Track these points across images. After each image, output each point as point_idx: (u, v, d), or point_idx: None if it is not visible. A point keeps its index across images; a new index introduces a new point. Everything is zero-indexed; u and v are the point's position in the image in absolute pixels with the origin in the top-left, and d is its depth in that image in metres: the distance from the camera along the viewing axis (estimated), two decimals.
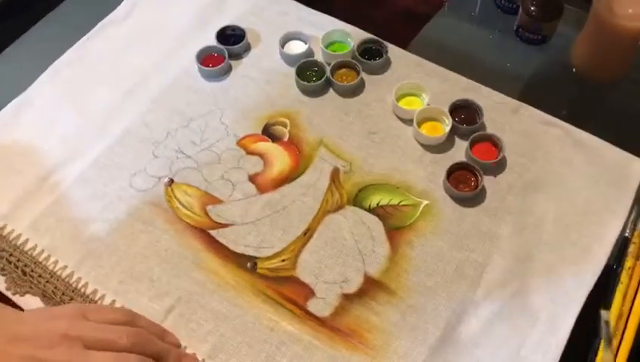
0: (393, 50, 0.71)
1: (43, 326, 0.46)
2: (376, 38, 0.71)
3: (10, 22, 0.81)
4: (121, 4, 0.77)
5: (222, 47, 0.71)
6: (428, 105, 0.65)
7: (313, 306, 0.55)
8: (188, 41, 0.73)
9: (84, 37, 0.74)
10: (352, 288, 0.56)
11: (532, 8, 0.68)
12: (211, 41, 0.72)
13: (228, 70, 0.71)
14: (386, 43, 0.70)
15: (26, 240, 0.60)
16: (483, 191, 0.60)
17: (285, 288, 0.56)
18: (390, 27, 0.78)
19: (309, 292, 0.56)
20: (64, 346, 0.44)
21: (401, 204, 0.60)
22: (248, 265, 0.57)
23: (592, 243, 0.57)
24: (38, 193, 0.63)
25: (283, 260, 0.57)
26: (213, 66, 0.70)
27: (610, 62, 0.68)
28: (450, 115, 0.64)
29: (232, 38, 0.72)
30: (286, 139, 0.65)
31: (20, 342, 0.44)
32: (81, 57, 0.73)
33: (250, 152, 0.65)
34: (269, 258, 0.58)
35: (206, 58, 0.71)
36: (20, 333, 0.44)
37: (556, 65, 0.72)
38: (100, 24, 0.75)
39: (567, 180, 0.61)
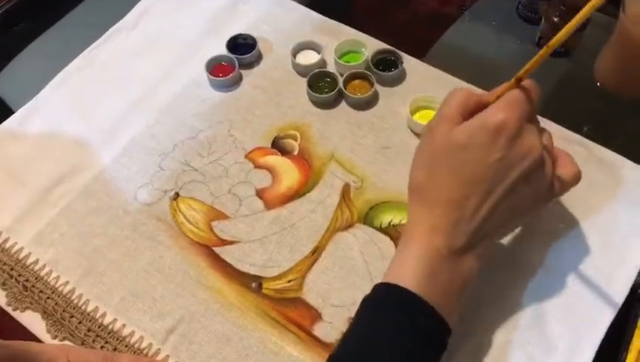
0: (409, 61, 0.68)
1: None
2: (391, 48, 0.68)
3: (22, 28, 0.81)
4: (130, 12, 0.76)
5: (232, 56, 0.69)
6: None
7: (319, 330, 0.53)
8: (197, 50, 0.71)
9: (92, 45, 0.73)
10: None
11: (555, 20, 0.65)
12: (221, 49, 0.70)
13: (238, 80, 0.69)
14: (401, 53, 0.68)
15: (28, 254, 0.59)
16: None
17: (291, 310, 0.54)
18: (411, 29, 0.76)
19: (316, 316, 0.53)
20: None
21: None
22: (253, 285, 0.55)
23: (615, 268, 0.54)
24: (42, 206, 0.61)
25: (289, 281, 0.55)
26: (223, 76, 0.68)
27: (636, 76, 0.64)
28: None
29: (242, 47, 0.70)
30: (296, 152, 0.63)
31: None
32: (88, 66, 0.72)
33: (258, 166, 0.63)
34: (274, 278, 0.56)
35: (216, 67, 0.69)
36: None
37: (579, 79, 0.69)
38: (107, 32, 0.74)
39: (589, 200, 0.58)
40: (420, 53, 0.70)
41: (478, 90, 0.65)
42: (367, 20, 0.73)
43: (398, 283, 0.44)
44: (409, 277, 0.44)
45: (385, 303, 0.44)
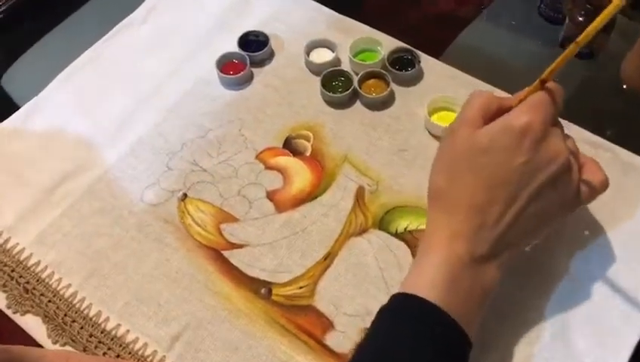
0: (426, 61, 0.66)
1: None
2: (408, 47, 0.66)
3: (29, 25, 0.79)
4: (139, 7, 0.74)
5: (243, 53, 0.67)
6: None
7: (332, 340, 0.50)
8: (207, 47, 0.69)
9: (99, 41, 0.71)
10: None
11: (580, 19, 0.63)
12: (232, 47, 0.68)
13: (249, 78, 0.67)
14: (418, 52, 0.65)
15: (30, 255, 0.57)
16: None
17: (302, 318, 0.51)
18: (426, 30, 0.73)
19: (328, 325, 0.51)
20: None
21: None
22: (263, 291, 0.53)
23: None
24: (45, 205, 0.59)
25: (300, 287, 0.53)
26: (233, 74, 0.66)
27: None
28: None
29: (254, 44, 0.68)
30: (308, 153, 0.61)
31: None
32: (94, 62, 0.70)
33: (269, 167, 0.60)
34: (285, 284, 0.53)
35: (226, 65, 0.67)
36: None
37: (605, 81, 0.66)
38: (115, 28, 0.72)
39: (615, 208, 0.55)
40: (433, 54, 0.67)
41: (501, 93, 0.63)
42: (379, 19, 0.71)
43: (416, 292, 0.41)
44: (428, 287, 0.41)
45: (403, 313, 0.42)
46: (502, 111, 0.45)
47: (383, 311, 0.43)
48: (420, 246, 0.45)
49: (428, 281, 0.42)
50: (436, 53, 0.68)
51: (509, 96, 0.48)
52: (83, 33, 0.75)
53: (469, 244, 0.43)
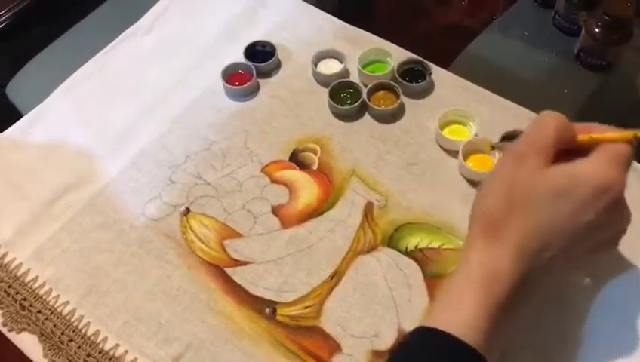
0: (437, 72, 0.64)
1: None
2: (419, 58, 0.64)
3: (36, 32, 0.78)
4: (144, 15, 0.72)
5: (250, 63, 0.65)
6: (476, 135, 0.58)
7: None
8: (213, 57, 0.68)
9: (103, 50, 0.69)
10: (384, 344, 0.49)
11: (597, 30, 0.61)
12: (239, 57, 0.66)
13: (255, 89, 0.65)
14: (429, 64, 0.64)
15: (27, 271, 0.55)
16: None
17: (307, 340, 0.49)
18: (436, 41, 0.72)
19: (335, 347, 0.49)
20: None
21: (442, 247, 0.53)
22: (267, 310, 0.51)
23: None
24: (45, 218, 0.58)
25: (306, 307, 0.51)
26: (239, 85, 0.64)
27: None
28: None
29: (261, 55, 0.67)
30: (315, 167, 0.59)
31: None
32: (98, 72, 0.68)
33: (275, 181, 0.59)
34: (290, 304, 0.51)
35: (232, 75, 0.65)
36: None
37: (622, 93, 0.64)
38: (120, 37, 0.71)
39: (635, 227, 0.53)
40: (444, 65, 0.65)
41: (507, 104, 0.61)
42: (388, 29, 0.69)
43: (448, 330, 0.39)
44: (460, 325, 0.39)
45: (431, 349, 0.39)
46: (573, 142, 0.41)
47: (409, 345, 0.41)
48: (456, 272, 0.42)
49: (461, 320, 0.39)
50: (446, 64, 0.66)
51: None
52: (88, 42, 0.73)
53: (511, 289, 0.39)
